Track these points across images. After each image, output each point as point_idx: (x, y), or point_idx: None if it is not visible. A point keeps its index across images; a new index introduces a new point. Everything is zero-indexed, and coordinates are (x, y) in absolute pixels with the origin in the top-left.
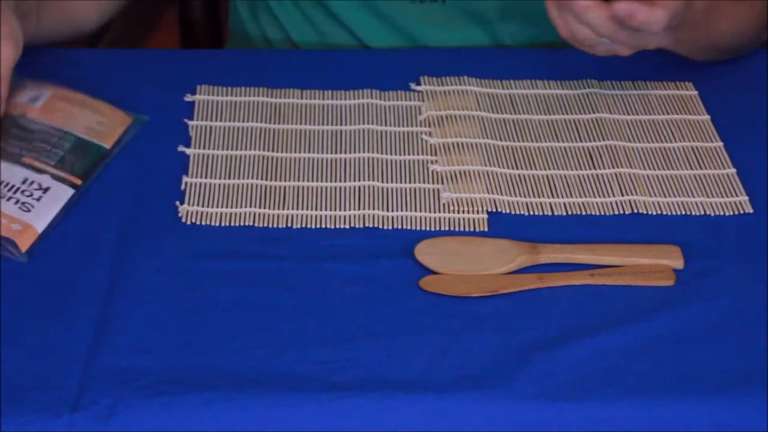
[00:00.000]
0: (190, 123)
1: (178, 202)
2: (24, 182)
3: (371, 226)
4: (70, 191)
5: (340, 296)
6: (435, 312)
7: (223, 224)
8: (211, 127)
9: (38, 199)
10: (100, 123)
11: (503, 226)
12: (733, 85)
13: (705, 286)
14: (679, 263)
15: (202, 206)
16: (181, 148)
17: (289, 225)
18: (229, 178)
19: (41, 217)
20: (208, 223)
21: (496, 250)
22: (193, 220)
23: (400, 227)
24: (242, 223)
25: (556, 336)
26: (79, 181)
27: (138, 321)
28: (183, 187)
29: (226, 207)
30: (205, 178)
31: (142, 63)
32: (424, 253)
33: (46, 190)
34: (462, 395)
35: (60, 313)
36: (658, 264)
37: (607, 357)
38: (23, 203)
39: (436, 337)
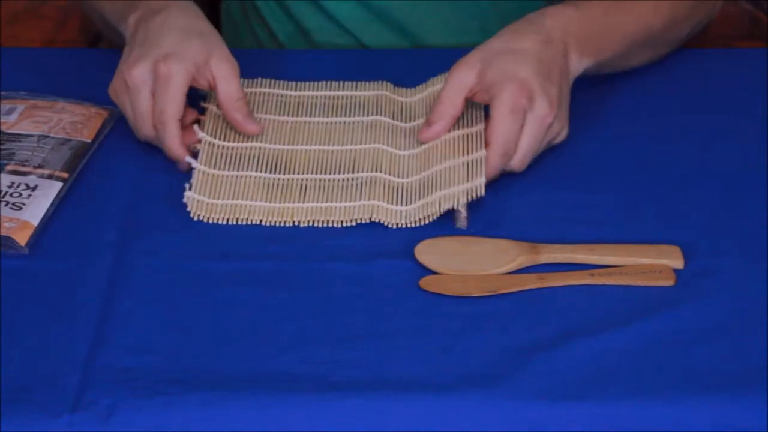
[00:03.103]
0: (207, 105)
1: (187, 186)
2: (11, 186)
3: (377, 220)
4: (58, 185)
5: (340, 296)
6: (435, 312)
7: (228, 218)
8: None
9: (28, 197)
10: (76, 122)
11: (503, 226)
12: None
13: (705, 286)
14: (679, 263)
15: (209, 197)
16: (196, 129)
17: (296, 221)
18: (238, 170)
19: (34, 211)
20: (212, 215)
21: (496, 250)
22: (198, 212)
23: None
24: (247, 217)
25: (556, 336)
26: (65, 174)
27: (138, 321)
28: (192, 173)
29: (233, 199)
30: (214, 169)
31: None
32: (424, 253)
33: (34, 188)
34: (462, 395)
35: (60, 313)
36: (658, 264)
37: (607, 357)
38: (14, 204)
39: (436, 337)
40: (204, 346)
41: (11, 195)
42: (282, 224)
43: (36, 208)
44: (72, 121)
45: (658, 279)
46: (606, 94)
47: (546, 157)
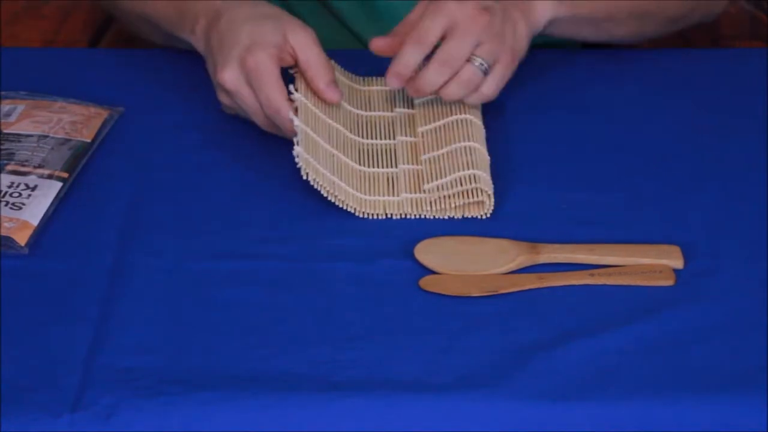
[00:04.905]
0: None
1: (295, 140)
2: (11, 186)
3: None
4: (58, 184)
5: (340, 296)
6: (435, 312)
7: (329, 191)
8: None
9: (28, 197)
10: (76, 122)
11: (503, 226)
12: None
13: (705, 286)
14: (679, 263)
15: (314, 159)
16: (292, 91)
17: (388, 214)
18: (329, 143)
19: (34, 211)
20: (317, 179)
21: (496, 249)
22: (307, 170)
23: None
24: (344, 200)
25: (556, 336)
26: (65, 174)
27: (138, 321)
28: (296, 133)
29: (332, 173)
30: (312, 131)
31: (142, 63)
32: (424, 253)
33: (33, 188)
34: (462, 395)
35: (60, 313)
36: (658, 264)
37: (607, 357)
38: (13, 204)
39: (436, 337)
40: (204, 346)
41: (11, 195)
42: (374, 216)
43: (36, 208)
44: (72, 121)
45: (658, 279)
46: (605, 94)
47: (547, 157)
